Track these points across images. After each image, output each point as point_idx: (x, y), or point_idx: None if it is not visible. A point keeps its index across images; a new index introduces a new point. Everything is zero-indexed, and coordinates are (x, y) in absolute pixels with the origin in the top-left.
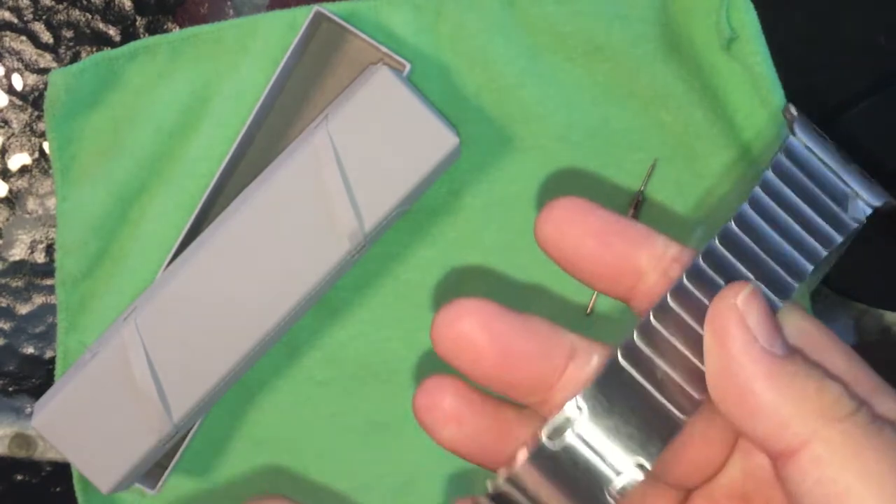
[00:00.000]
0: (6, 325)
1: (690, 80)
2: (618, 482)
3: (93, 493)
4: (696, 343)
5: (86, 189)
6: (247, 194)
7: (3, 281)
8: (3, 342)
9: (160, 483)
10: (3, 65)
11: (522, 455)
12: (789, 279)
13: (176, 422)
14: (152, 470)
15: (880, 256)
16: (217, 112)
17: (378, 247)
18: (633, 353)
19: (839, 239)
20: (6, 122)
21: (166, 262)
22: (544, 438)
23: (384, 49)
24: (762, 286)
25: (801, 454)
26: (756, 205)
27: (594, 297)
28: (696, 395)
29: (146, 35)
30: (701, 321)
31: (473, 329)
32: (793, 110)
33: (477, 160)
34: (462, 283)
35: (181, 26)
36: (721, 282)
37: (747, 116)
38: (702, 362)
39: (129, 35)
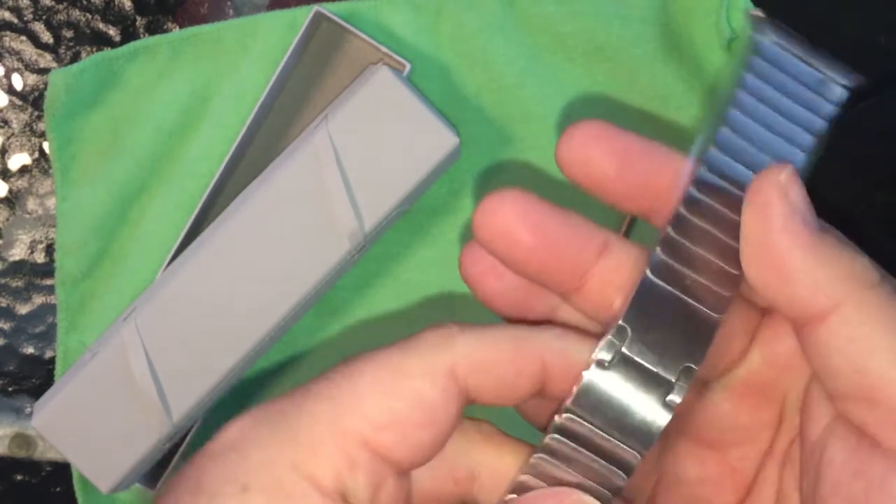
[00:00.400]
0: (6, 325)
1: (690, 80)
2: (672, 390)
3: (93, 493)
4: (717, 244)
5: (86, 189)
6: (247, 194)
7: (3, 281)
8: (3, 342)
9: (160, 483)
10: (3, 65)
11: (580, 379)
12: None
13: (176, 422)
14: (152, 470)
15: (880, 257)
16: (217, 112)
17: (378, 247)
18: (660, 268)
19: (823, 124)
20: (6, 122)
21: (166, 262)
22: (596, 360)
23: (384, 49)
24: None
25: (833, 316)
26: (743, 107)
27: None
28: (725, 292)
29: (146, 35)
30: (716, 223)
31: (513, 217)
32: (759, 13)
33: (477, 160)
34: (462, 283)
35: (181, 26)
36: (725, 185)
37: None
38: (725, 261)
39: (129, 35)
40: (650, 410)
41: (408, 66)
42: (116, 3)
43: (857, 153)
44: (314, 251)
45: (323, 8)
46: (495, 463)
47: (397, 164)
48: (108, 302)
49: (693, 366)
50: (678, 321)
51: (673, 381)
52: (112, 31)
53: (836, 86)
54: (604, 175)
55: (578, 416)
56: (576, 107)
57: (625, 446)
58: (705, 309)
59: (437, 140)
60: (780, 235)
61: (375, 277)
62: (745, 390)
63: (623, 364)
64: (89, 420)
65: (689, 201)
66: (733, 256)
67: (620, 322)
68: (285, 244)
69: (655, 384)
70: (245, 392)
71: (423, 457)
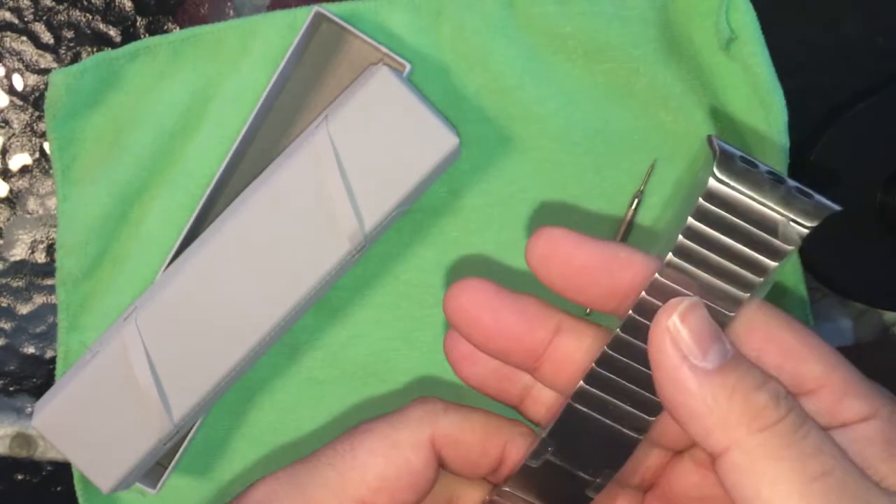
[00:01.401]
0: (7, 325)
1: (690, 81)
2: (590, 487)
3: (93, 492)
4: (641, 376)
5: (86, 189)
6: (247, 194)
7: (4, 281)
8: (4, 342)
9: (160, 483)
10: (4, 65)
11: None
12: (727, 308)
13: (176, 422)
14: (152, 470)
15: (880, 256)
16: (217, 112)
17: (378, 247)
18: (584, 395)
19: (774, 265)
20: (7, 123)
21: (167, 262)
22: (524, 464)
23: (384, 49)
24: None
25: (723, 459)
26: (682, 253)
27: None
28: (648, 417)
29: (146, 35)
30: (638, 359)
31: (472, 304)
32: (715, 144)
33: (477, 160)
34: None
35: (181, 27)
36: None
37: (747, 116)
38: (649, 391)
39: (129, 35)
40: (571, 500)
41: (408, 66)
42: (117, 3)
43: (858, 153)
44: (314, 251)
45: (323, 8)
46: (468, 493)
47: (397, 164)
48: (108, 302)
49: (611, 471)
50: (600, 438)
51: (592, 480)
52: (112, 32)
53: (795, 226)
54: (567, 288)
55: (514, 493)
56: (576, 107)
57: None
58: (626, 430)
59: (437, 140)
60: (672, 381)
61: (375, 277)
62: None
63: (549, 466)
64: (90, 420)
65: (613, 345)
66: (651, 385)
67: (544, 436)
68: (285, 244)
69: (577, 481)
70: (245, 392)
71: None
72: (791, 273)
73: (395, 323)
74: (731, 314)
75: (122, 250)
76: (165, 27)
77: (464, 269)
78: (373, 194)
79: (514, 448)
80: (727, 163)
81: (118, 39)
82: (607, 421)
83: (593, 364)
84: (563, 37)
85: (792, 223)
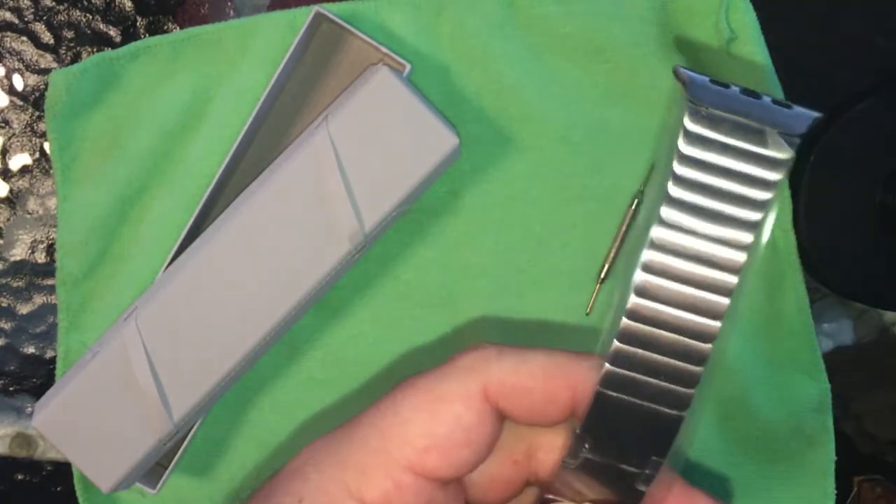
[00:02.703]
0: (7, 325)
1: None
2: (639, 479)
3: (93, 492)
4: (667, 345)
5: (87, 189)
6: (247, 194)
7: (4, 281)
8: (4, 342)
9: (160, 483)
10: (4, 65)
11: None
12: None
13: (176, 422)
14: (152, 470)
15: (880, 256)
16: (217, 112)
17: (378, 247)
18: (611, 379)
19: (777, 178)
20: (7, 123)
21: (167, 262)
22: (563, 461)
23: (384, 49)
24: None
25: None
26: (676, 198)
27: (594, 296)
28: (684, 389)
29: (147, 35)
30: (662, 325)
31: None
32: (682, 73)
33: (477, 160)
34: (462, 283)
35: (181, 27)
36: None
37: None
38: (678, 358)
39: (129, 35)
40: (620, 496)
41: (408, 67)
42: (117, 3)
43: (858, 153)
44: (314, 251)
45: (323, 8)
46: (548, 439)
47: (397, 164)
48: (108, 302)
49: (658, 458)
50: (638, 424)
51: (640, 472)
52: (113, 32)
53: (782, 136)
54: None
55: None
56: (576, 107)
57: None
58: (665, 409)
59: (437, 140)
60: None
61: (375, 277)
62: None
63: (590, 464)
64: (90, 420)
65: (630, 314)
66: (684, 351)
67: (578, 431)
68: (285, 244)
69: (624, 475)
70: (245, 392)
71: (468, 469)
72: (791, 273)
73: (395, 323)
74: (743, 260)
75: (122, 250)
76: (165, 27)
77: (464, 269)
78: (373, 194)
79: (588, 385)
80: (700, 88)
81: (118, 39)
82: (643, 402)
83: (615, 340)
84: (563, 37)
85: (779, 134)
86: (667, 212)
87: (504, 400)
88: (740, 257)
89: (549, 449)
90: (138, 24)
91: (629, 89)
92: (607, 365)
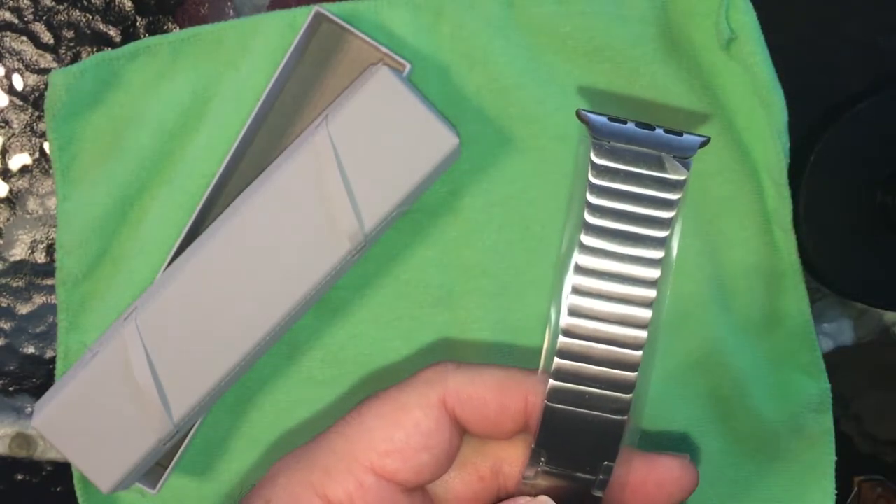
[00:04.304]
0: (7, 325)
1: (690, 81)
2: (594, 485)
3: (93, 492)
4: (605, 356)
5: (86, 189)
6: (247, 194)
7: (4, 281)
8: (4, 342)
9: (160, 483)
10: (4, 65)
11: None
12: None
13: (176, 422)
14: (152, 470)
15: (880, 256)
16: (217, 112)
17: (378, 247)
18: (557, 393)
19: (676, 197)
20: (7, 123)
21: (167, 262)
22: (523, 475)
23: (384, 49)
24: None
25: None
26: (592, 223)
27: None
28: (624, 395)
29: (146, 35)
30: (598, 338)
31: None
32: (583, 114)
33: (477, 160)
34: (462, 283)
35: (181, 26)
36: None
37: (747, 117)
38: (616, 367)
39: (129, 35)
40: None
41: (408, 66)
42: (117, 3)
43: (858, 153)
44: (314, 251)
45: (323, 8)
46: (512, 453)
47: (397, 163)
48: (108, 302)
49: (609, 463)
50: (586, 432)
51: (594, 478)
52: (112, 32)
53: (677, 160)
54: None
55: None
56: (575, 107)
57: None
58: (608, 415)
59: (437, 140)
60: None
61: (375, 277)
62: None
63: (546, 475)
64: (89, 420)
65: (566, 333)
66: (621, 360)
67: (533, 447)
68: (285, 244)
69: (580, 483)
70: (245, 392)
71: (429, 476)
72: (791, 273)
73: (395, 323)
74: (656, 273)
75: (122, 250)
76: (165, 27)
77: (464, 269)
78: (373, 194)
79: (539, 398)
80: (601, 125)
81: (118, 39)
82: (588, 411)
83: (556, 357)
84: (563, 37)
85: (674, 158)
86: (586, 238)
87: (460, 408)
88: (655, 272)
89: (514, 463)
90: (138, 24)
91: (629, 89)
92: (552, 381)
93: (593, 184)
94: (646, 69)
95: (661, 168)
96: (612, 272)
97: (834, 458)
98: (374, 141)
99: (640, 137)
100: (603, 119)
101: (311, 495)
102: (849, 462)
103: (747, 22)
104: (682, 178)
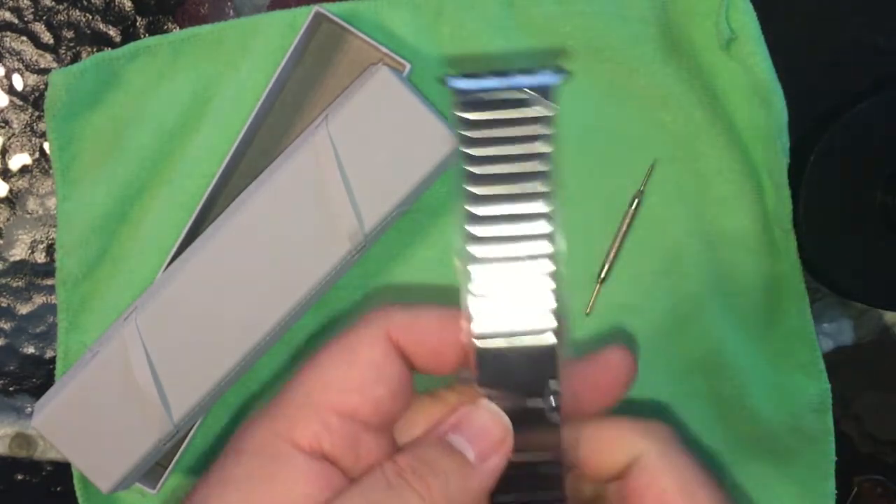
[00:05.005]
0: (7, 325)
1: (690, 80)
2: (547, 410)
3: (93, 492)
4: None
5: (86, 189)
6: (247, 194)
7: (4, 281)
8: (4, 342)
9: (160, 483)
10: (4, 65)
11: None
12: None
13: (176, 422)
14: (152, 470)
15: (880, 256)
16: (217, 112)
17: (378, 247)
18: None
19: (549, 131)
20: (7, 123)
21: (167, 262)
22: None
23: (384, 49)
24: None
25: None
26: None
27: (594, 297)
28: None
29: (146, 35)
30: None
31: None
32: (444, 78)
33: None
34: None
35: (181, 26)
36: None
37: (747, 116)
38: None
39: (129, 35)
40: (541, 440)
41: (408, 66)
42: (117, 3)
43: (858, 153)
44: (314, 251)
45: (323, 8)
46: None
47: (397, 163)
48: (108, 302)
49: (555, 381)
50: (522, 358)
51: (543, 405)
52: (112, 32)
53: (540, 97)
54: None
55: None
56: (575, 107)
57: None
58: (538, 335)
59: (437, 140)
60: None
61: (375, 277)
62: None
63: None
64: (90, 420)
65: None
66: (534, 281)
67: (478, 388)
68: (285, 244)
69: (534, 414)
70: (245, 392)
71: (388, 411)
72: (791, 273)
73: None
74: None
75: (122, 250)
76: (165, 27)
77: None
78: (373, 194)
79: (469, 339)
80: (457, 81)
81: (118, 39)
82: (517, 338)
83: (469, 296)
84: (563, 37)
85: (536, 94)
86: (474, 188)
87: (405, 340)
88: (545, 189)
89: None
90: (138, 24)
91: (629, 89)
92: (472, 323)
93: (466, 136)
94: (645, 69)
95: (527, 105)
96: (504, 215)
97: (834, 458)
98: (374, 141)
99: (497, 82)
100: (458, 77)
101: (280, 442)
102: (849, 462)
103: (747, 22)
104: (549, 113)
